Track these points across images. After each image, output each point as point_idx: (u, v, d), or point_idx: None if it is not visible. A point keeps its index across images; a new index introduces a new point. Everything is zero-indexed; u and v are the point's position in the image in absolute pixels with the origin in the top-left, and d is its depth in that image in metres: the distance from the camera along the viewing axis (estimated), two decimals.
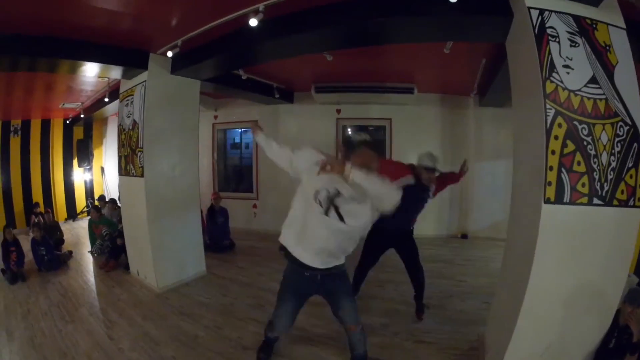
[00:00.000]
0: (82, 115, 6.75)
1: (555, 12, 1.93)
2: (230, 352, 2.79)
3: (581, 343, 2.09)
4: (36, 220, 6.10)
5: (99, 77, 4.35)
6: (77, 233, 6.82)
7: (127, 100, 4.08)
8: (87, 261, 5.22)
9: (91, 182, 8.29)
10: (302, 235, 1.98)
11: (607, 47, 1.92)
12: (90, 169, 8.10)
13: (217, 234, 5.41)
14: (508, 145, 5.28)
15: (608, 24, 1.95)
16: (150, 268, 3.95)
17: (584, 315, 2.07)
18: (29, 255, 4.74)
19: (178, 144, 4.12)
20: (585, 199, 1.89)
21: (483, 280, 4.13)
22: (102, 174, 8.48)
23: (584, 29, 1.93)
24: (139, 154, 3.82)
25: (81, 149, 7.83)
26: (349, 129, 6.61)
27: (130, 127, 3.97)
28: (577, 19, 1.93)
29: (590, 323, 2.09)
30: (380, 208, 1.94)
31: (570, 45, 1.89)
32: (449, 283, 4.13)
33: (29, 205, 6.85)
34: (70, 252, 5.26)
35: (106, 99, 5.15)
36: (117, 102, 5.25)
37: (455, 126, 6.27)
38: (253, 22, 2.63)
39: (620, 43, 1.94)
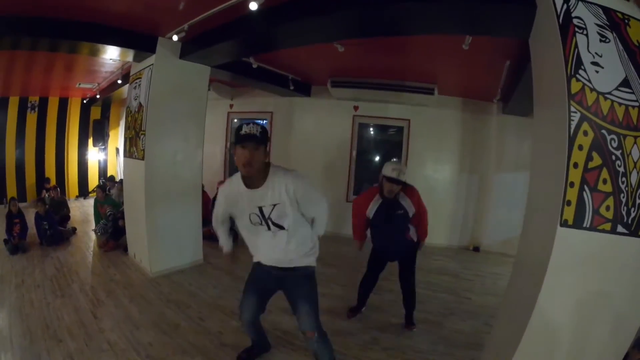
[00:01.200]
0: (98, 96, 6.80)
1: (585, 1, 1.63)
2: (207, 346, 2.68)
3: None
4: (44, 195, 6.20)
5: (111, 59, 4.30)
6: (86, 211, 6.91)
7: (136, 83, 4.01)
8: (90, 239, 5.26)
9: (105, 162, 8.41)
10: (261, 251, 2.08)
11: None
12: (105, 149, 8.21)
13: None
14: (530, 157, 4.93)
15: None
16: (145, 252, 3.88)
17: (593, 346, 1.78)
18: (33, 229, 4.79)
19: (183, 130, 4.01)
20: (608, 225, 1.60)
21: (489, 298, 3.80)
22: (116, 154, 8.56)
23: (615, 23, 1.63)
24: (142, 136, 3.73)
25: (97, 129, 7.92)
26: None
27: (136, 110, 3.89)
28: (607, 11, 1.64)
29: (603, 356, 1.79)
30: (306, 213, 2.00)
31: (600, 40, 1.60)
32: (452, 299, 3.81)
33: (41, 180, 7.02)
34: (74, 229, 5.31)
35: (119, 81, 5.12)
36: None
37: (476, 133, 5.86)
38: (253, 5, 2.44)
39: None
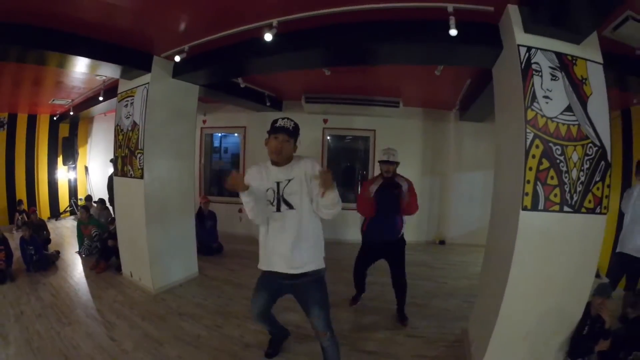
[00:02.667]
0: (71, 113, 6.71)
1: (541, 49, 2.32)
2: (234, 349, 2.94)
3: (556, 331, 2.48)
4: (21, 218, 6.01)
5: (96, 75, 4.43)
6: (61, 233, 6.74)
7: (127, 100, 4.19)
8: (75, 262, 5.22)
9: (75, 181, 8.21)
10: (268, 247, 2.22)
11: (584, 80, 2.34)
12: (74, 168, 8.02)
13: (205, 237, 5.55)
14: (486, 157, 5.86)
15: (587, 60, 2.37)
16: (147, 270, 4.06)
17: (557, 307, 2.45)
18: (16, 254, 4.69)
19: (176, 148, 4.30)
20: (557, 207, 2.29)
21: (463, 281, 4.54)
22: (86, 173, 8.39)
23: (565, 64, 2.33)
24: (139, 155, 3.95)
25: (67, 146, 7.76)
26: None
27: (130, 128, 4.09)
28: (559, 55, 2.33)
29: (563, 314, 2.48)
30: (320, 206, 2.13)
31: (551, 79, 2.29)
32: (432, 285, 4.52)
33: (13, 202, 6.73)
34: (58, 252, 5.25)
35: (100, 98, 5.18)
36: (108, 102, 5.35)
37: (437, 139, 6.78)
38: (268, 36, 2.87)
39: (595, 76, 2.36)
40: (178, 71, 4.05)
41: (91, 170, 8.52)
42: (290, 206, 2.13)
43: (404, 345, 3.08)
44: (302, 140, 6.29)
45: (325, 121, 6.77)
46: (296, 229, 2.14)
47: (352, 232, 4.89)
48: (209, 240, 5.53)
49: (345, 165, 7.44)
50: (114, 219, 5.08)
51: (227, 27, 3.11)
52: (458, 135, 6.64)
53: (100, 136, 8.52)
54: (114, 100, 4.84)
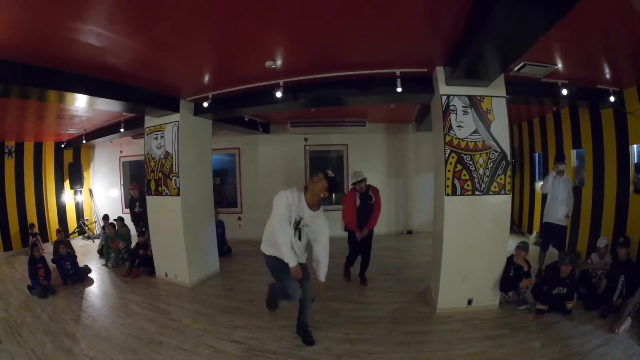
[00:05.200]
0: (84, 141, 7.50)
1: (457, 95, 3.89)
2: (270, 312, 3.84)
3: (487, 274, 4.04)
4: (34, 240, 6.80)
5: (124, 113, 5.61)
6: (77, 251, 7.29)
7: (156, 134, 5.45)
8: (105, 273, 6.09)
9: (82, 203, 9.02)
10: (283, 248, 3.05)
11: (489, 111, 3.92)
12: (81, 192, 8.89)
13: (217, 241, 6.77)
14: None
15: (492, 96, 3.91)
16: (184, 268, 5.29)
17: (484, 258, 4.01)
18: (54, 271, 5.40)
19: (199, 170, 5.62)
20: (470, 192, 3.91)
21: (425, 258, 6.05)
22: (90, 196, 9.32)
23: (474, 102, 3.90)
24: (174, 178, 5.23)
25: (73, 171, 8.59)
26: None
27: (163, 157, 5.35)
28: (470, 97, 3.89)
29: (489, 262, 4.04)
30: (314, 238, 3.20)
31: (463, 114, 3.89)
32: (401, 261, 6.15)
33: (24, 226, 7.33)
34: (87, 266, 6.04)
35: (122, 130, 6.29)
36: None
37: (398, 148, 8.58)
38: (278, 94, 4.34)
39: (498, 106, 3.91)
40: (199, 111, 5.38)
41: (95, 193, 9.47)
42: (300, 237, 3.13)
43: (384, 297, 4.60)
44: (288, 155, 7.94)
45: (306, 140, 8.40)
46: (300, 248, 3.18)
47: (334, 229, 6.20)
48: (220, 244, 6.75)
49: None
50: (143, 232, 6.24)
51: (246, 83, 4.50)
52: (416, 143, 8.46)
53: (103, 161, 9.58)
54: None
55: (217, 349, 3.42)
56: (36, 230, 7.42)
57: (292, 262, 3.02)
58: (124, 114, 5.81)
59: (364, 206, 4.88)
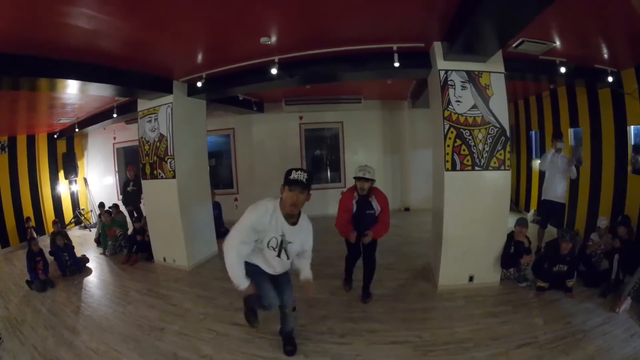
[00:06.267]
0: (76, 130, 7.38)
1: (455, 70, 3.82)
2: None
3: (487, 250, 4.05)
4: (29, 234, 6.79)
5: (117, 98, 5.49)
6: (74, 241, 7.13)
7: (149, 117, 5.33)
8: (103, 262, 6.02)
9: (77, 193, 8.93)
10: (265, 263, 2.67)
11: (487, 86, 3.86)
12: (75, 181, 8.78)
13: (214, 223, 6.75)
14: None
15: (490, 72, 3.85)
16: (182, 251, 5.28)
17: (484, 233, 4.01)
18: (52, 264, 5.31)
19: (194, 152, 5.53)
20: (470, 168, 3.88)
21: (424, 234, 6.09)
22: (85, 184, 9.21)
23: (472, 77, 3.84)
24: (169, 160, 5.14)
25: (67, 161, 8.48)
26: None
27: (157, 140, 5.25)
28: (468, 72, 3.83)
29: (490, 238, 4.04)
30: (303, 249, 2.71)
31: (462, 89, 3.82)
32: (400, 238, 6.16)
33: (20, 220, 7.25)
34: (85, 256, 5.90)
35: (114, 115, 6.15)
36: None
37: (394, 124, 8.50)
38: (274, 71, 4.21)
39: (497, 82, 3.86)
40: (192, 91, 5.24)
41: (90, 181, 9.36)
42: (287, 256, 2.61)
43: (385, 274, 4.58)
44: (283, 133, 7.85)
45: (300, 118, 8.28)
46: (285, 265, 2.74)
47: (332, 207, 5.66)
48: (217, 225, 6.71)
49: (316, 153, 8.96)
50: (139, 217, 6.19)
51: (240, 61, 4.35)
52: (411, 120, 8.38)
53: (96, 149, 9.44)
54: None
55: (219, 332, 3.43)
56: (32, 223, 7.34)
57: (241, 284, 2.49)
58: (116, 98, 5.67)
59: (360, 215, 3.70)
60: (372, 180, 3.59)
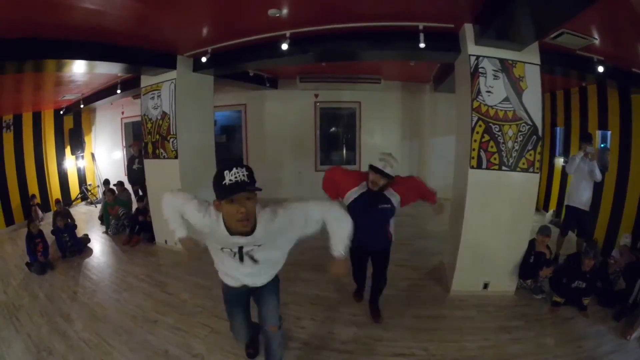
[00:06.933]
0: (81, 106, 7.26)
1: (487, 57, 3.40)
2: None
3: (506, 258, 3.73)
4: (34, 212, 6.74)
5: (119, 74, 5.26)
6: (79, 219, 7.03)
7: (152, 94, 5.06)
8: (105, 242, 5.90)
9: (84, 169, 8.83)
10: (229, 272, 2.07)
11: (521, 78, 3.44)
12: (82, 157, 8.68)
13: None
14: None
15: (525, 62, 3.44)
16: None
17: (505, 240, 3.69)
18: (52, 245, 5.14)
19: (199, 129, 5.26)
20: (496, 167, 3.49)
21: (440, 227, 5.68)
22: (93, 160, 9.13)
23: (506, 67, 3.42)
24: (172, 140, 4.89)
25: (74, 137, 8.33)
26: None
27: (160, 117, 4.99)
28: (502, 60, 3.41)
29: (511, 245, 3.72)
30: (306, 232, 1.95)
31: (494, 78, 3.40)
32: (414, 230, 5.86)
33: (26, 198, 7.13)
34: (87, 235, 5.84)
35: (118, 91, 5.99)
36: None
37: (414, 108, 8.01)
38: (284, 46, 3.84)
39: (531, 74, 3.44)
40: (198, 67, 4.91)
41: (97, 157, 9.26)
42: (255, 262, 1.93)
43: (395, 271, 4.20)
44: (297, 111, 7.48)
45: (316, 96, 7.87)
46: (256, 270, 2.01)
47: None
48: None
49: (332, 130, 8.58)
50: (142, 197, 6.03)
51: (248, 35, 4.00)
52: (433, 104, 7.86)
53: (104, 124, 9.29)
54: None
55: (213, 329, 3.26)
56: (37, 201, 7.23)
57: (178, 232, 2.11)
58: (119, 74, 5.45)
59: (366, 209, 2.87)
60: (390, 180, 2.78)
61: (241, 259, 1.90)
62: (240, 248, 1.86)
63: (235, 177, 1.58)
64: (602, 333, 3.21)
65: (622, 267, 3.88)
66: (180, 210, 1.99)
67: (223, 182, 1.59)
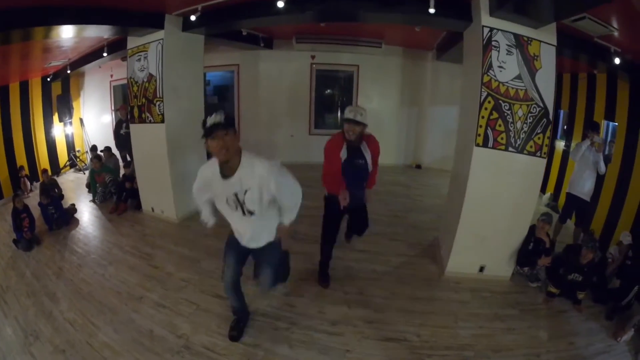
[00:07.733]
0: (68, 71, 6.90)
1: (502, 30, 3.12)
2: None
3: (505, 242, 3.63)
4: (23, 183, 6.54)
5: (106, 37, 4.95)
6: (67, 187, 6.97)
7: (139, 55, 4.70)
8: (92, 210, 5.73)
9: (72, 135, 8.47)
10: (236, 230, 2.42)
11: (536, 57, 3.20)
12: (70, 123, 8.28)
13: None
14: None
15: (541, 41, 3.18)
16: (170, 202, 4.93)
17: (506, 223, 3.56)
18: (39, 219, 4.99)
19: (188, 92, 4.93)
20: (503, 147, 3.31)
21: (436, 200, 5.70)
22: (81, 125, 8.75)
23: (520, 43, 3.16)
24: (158, 103, 4.59)
25: (61, 103, 7.90)
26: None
27: (146, 80, 4.66)
28: (517, 36, 3.14)
29: (511, 229, 3.60)
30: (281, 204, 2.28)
31: (507, 54, 3.14)
32: (409, 201, 5.73)
33: (14, 170, 6.82)
34: (73, 205, 5.63)
35: (104, 54, 5.61)
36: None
37: (415, 75, 7.71)
38: (280, 4, 3.52)
39: (546, 54, 3.21)
40: (188, 26, 4.54)
41: (86, 122, 8.87)
42: (251, 213, 2.20)
43: (388, 246, 4.26)
44: (293, 72, 7.12)
45: (313, 57, 7.49)
46: (257, 224, 2.30)
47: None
48: None
49: (327, 92, 8.28)
50: (129, 163, 5.78)
51: None
52: (434, 73, 7.54)
53: (93, 88, 8.84)
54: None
55: (199, 306, 3.18)
56: (26, 172, 6.94)
57: (205, 220, 2.61)
58: (105, 37, 5.13)
59: (349, 164, 3.04)
60: (364, 125, 2.94)
61: (243, 212, 2.19)
62: (236, 195, 2.14)
63: (214, 119, 1.97)
64: (594, 331, 3.16)
65: (619, 265, 3.79)
66: (203, 186, 2.34)
67: (206, 125, 1.98)
